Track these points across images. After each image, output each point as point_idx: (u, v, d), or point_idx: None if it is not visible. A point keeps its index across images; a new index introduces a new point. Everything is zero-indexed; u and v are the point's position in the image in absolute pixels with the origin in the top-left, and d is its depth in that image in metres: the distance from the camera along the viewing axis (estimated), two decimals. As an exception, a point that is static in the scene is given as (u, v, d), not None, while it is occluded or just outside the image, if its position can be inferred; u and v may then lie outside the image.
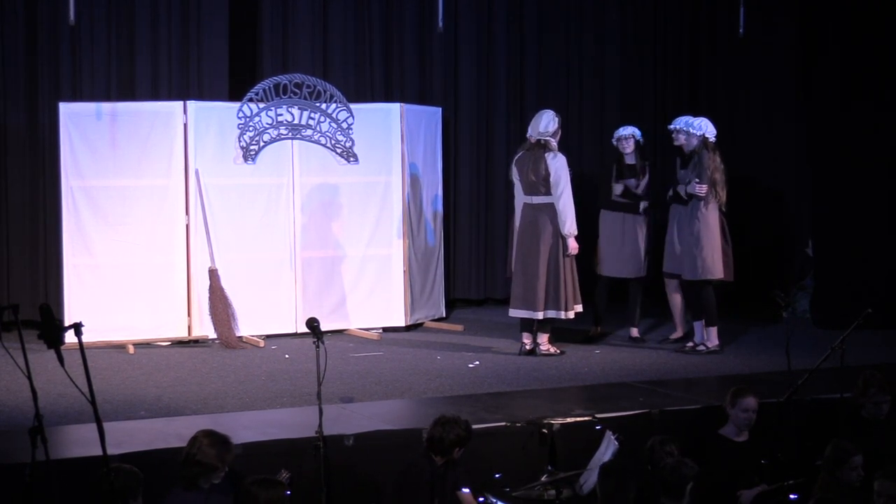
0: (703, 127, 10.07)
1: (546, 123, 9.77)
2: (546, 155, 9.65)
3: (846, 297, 10.77)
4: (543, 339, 9.82)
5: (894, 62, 11.35)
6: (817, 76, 11.94)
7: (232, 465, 5.93)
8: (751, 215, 12.89)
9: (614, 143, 10.72)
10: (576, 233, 9.68)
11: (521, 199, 9.93)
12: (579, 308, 9.84)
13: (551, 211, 9.68)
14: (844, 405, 7.28)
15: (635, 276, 10.58)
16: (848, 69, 11.45)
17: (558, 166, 9.64)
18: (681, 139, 10.23)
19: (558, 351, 9.85)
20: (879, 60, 11.34)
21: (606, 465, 6.15)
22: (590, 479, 6.42)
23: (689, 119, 10.27)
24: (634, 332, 10.61)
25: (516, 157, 9.99)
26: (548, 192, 9.66)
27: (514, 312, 9.89)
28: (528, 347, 9.85)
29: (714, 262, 9.88)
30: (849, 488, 6.31)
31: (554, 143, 9.75)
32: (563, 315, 9.72)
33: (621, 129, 10.70)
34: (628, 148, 10.56)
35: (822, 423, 7.50)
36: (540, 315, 9.69)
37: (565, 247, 9.65)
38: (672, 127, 10.33)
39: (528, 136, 9.96)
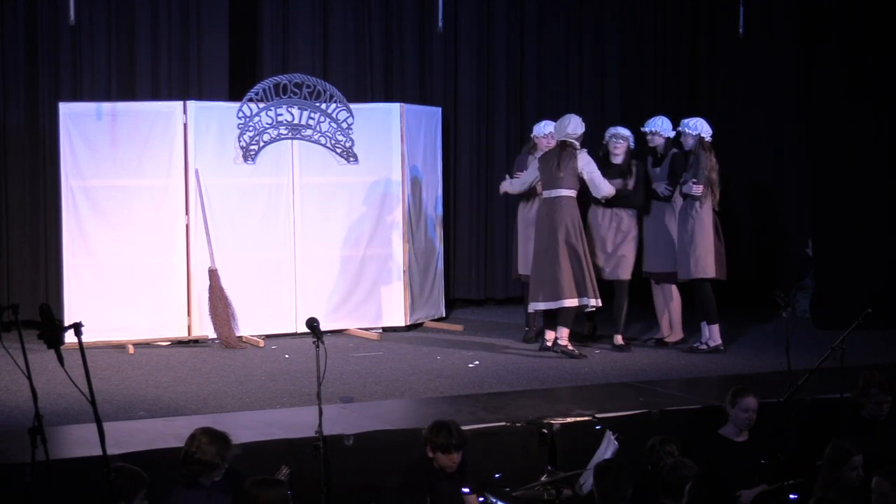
0: (700, 127, 10.08)
1: (575, 126, 9.85)
2: (576, 153, 9.79)
3: (846, 297, 10.77)
4: (563, 333, 9.76)
5: (895, 62, 11.35)
6: (817, 76, 11.93)
7: (232, 464, 5.93)
8: (751, 215, 12.90)
9: (606, 138, 10.49)
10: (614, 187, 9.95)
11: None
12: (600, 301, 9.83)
13: (568, 203, 9.73)
14: (845, 405, 7.28)
15: (622, 278, 10.32)
16: (848, 69, 11.45)
17: (589, 162, 9.86)
18: (656, 140, 10.31)
19: (576, 351, 9.75)
20: (880, 60, 11.34)
21: (601, 464, 6.15)
22: (590, 479, 6.41)
23: (666, 120, 10.36)
24: (618, 339, 10.24)
25: (540, 156, 10.04)
26: (569, 186, 9.72)
27: (537, 305, 9.91)
28: (549, 344, 9.86)
29: (708, 261, 9.89)
30: (849, 488, 6.30)
31: (577, 145, 9.86)
32: (594, 302, 9.71)
33: (620, 129, 10.48)
34: (619, 149, 10.36)
35: (822, 423, 7.50)
36: (574, 302, 9.66)
37: (584, 237, 9.79)
38: (646, 129, 10.35)
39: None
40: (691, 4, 13.57)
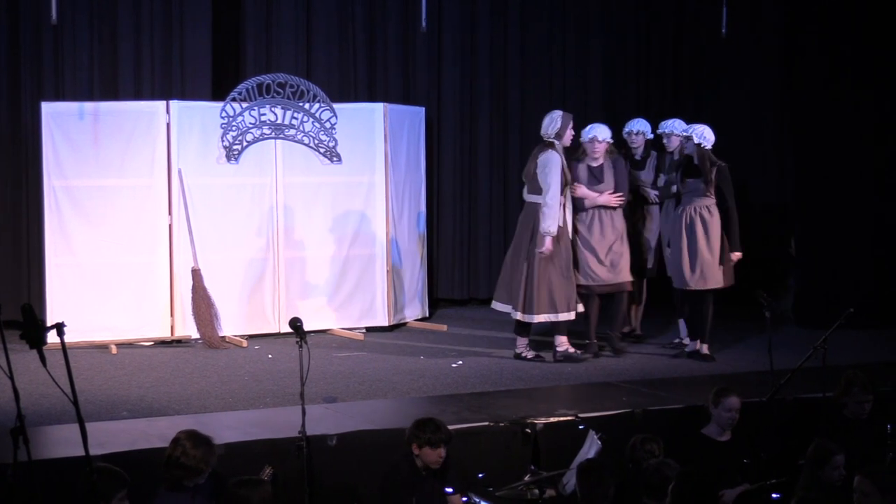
0: (682, 128, 10.08)
1: (546, 125, 9.59)
2: (539, 154, 9.51)
3: (829, 297, 10.81)
4: (520, 341, 9.72)
5: (878, 60, 11.39)
6: (800, 75, 11.97)
7: (215, 466, 5.91)
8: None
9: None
10: (552, 233, 9.38)
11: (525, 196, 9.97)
12: (542, 318, 9.51)
13: (536, 210, 9.55)
14: (827, 405, 7.31)
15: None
16: (831, 68, 11.48)
17: (544, 163, 9.42)
18: (638, 141, 10.33)
19: (533, 355, 9.68)
20: (864, 58, 11.37)
21: (584, 464, 6.16)
22: (573, 478, 6.42)
23: (645, 122, 10.33)
24: (704, 348, 9.79)
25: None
26: (536, 191, 9.53)
27: (494, 305, 9.94)
28: (560, 349, 9.62)
29: (727, 266, 9.87)
30: (831, 488, 6.32)
31: (558, 144, 9.51)
32: (519, 315, 9.52)
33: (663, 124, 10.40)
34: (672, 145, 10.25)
35: (804, 422, 7.52)
36: (517, 315, 9.59)
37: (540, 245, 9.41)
38: (635, 129, 10.33)
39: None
40: (674, 4, 13.59)
